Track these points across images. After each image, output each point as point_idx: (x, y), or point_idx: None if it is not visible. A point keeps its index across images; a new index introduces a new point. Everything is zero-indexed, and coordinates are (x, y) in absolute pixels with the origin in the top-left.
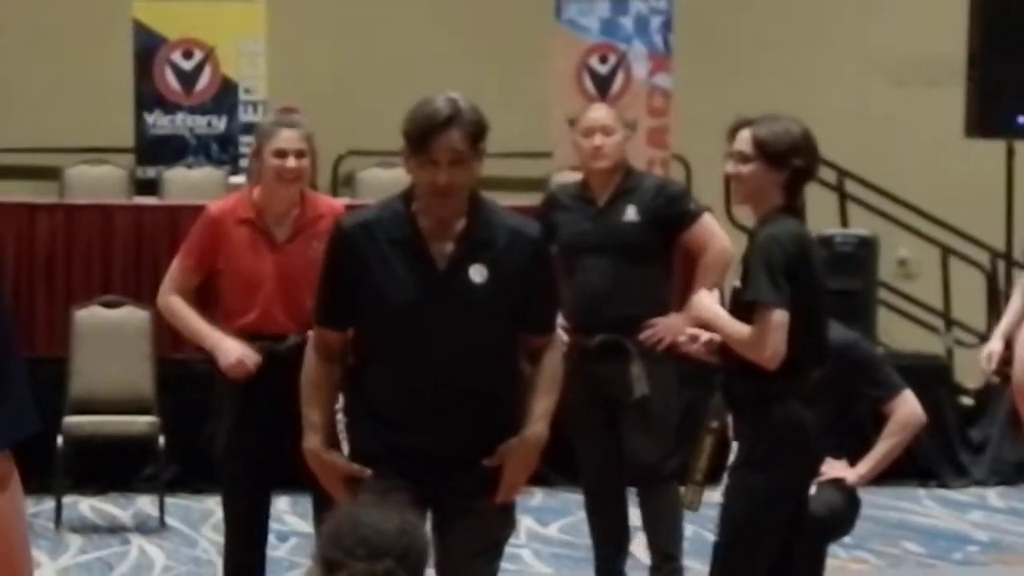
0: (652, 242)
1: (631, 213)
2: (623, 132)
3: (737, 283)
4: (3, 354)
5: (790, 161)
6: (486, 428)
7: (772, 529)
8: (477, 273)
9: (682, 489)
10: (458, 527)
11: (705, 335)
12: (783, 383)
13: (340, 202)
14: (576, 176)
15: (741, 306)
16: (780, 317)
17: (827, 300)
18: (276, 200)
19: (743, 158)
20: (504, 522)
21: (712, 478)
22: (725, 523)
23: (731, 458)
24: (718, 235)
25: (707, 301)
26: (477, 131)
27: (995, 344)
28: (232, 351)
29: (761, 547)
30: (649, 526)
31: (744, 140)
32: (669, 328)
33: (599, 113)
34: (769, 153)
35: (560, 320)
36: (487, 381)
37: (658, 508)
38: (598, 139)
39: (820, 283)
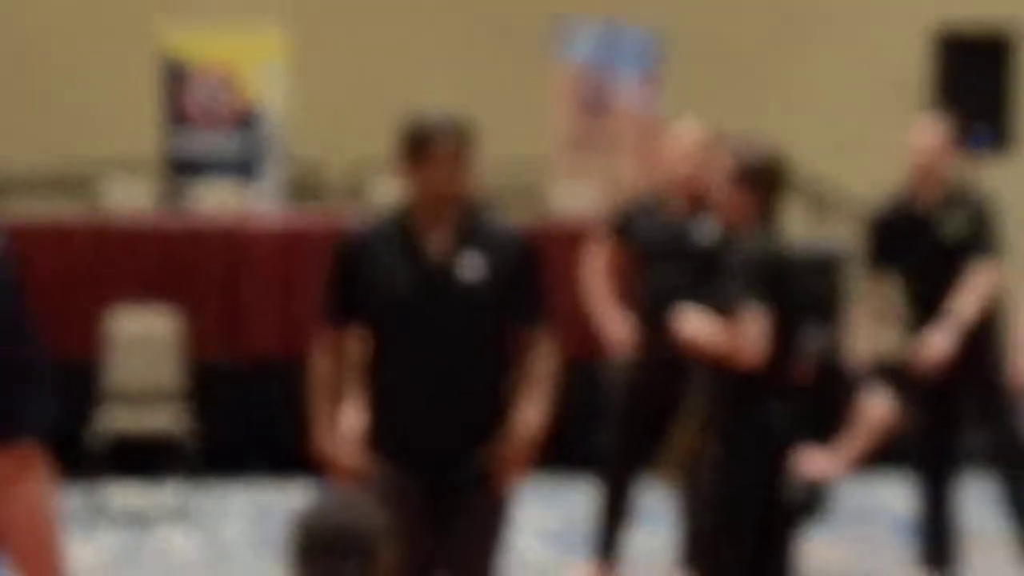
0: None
1: (712, 227)
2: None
3: (718, 293)
4: (26, 362)
5: (759, 181)
6: (482, 417)
7: (743, 518)
8: (468, 264)
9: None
10: (458, 519)
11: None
12: (757, 383)
13: None
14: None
15: (722, 314)
16: (758, 320)
17: (804, 306)
18: None
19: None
20: (502, 513)
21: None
22: (700, 512)
23: (707, 450)
24: None
25: (692, 315)
26: (468, 137)
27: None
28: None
29: (734, 535)
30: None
31: (721, 162)
32: None
33: (692, 127)
34: (740, 174)
35: (627, 329)
36: (481, 370)
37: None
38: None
39: (795, 292)
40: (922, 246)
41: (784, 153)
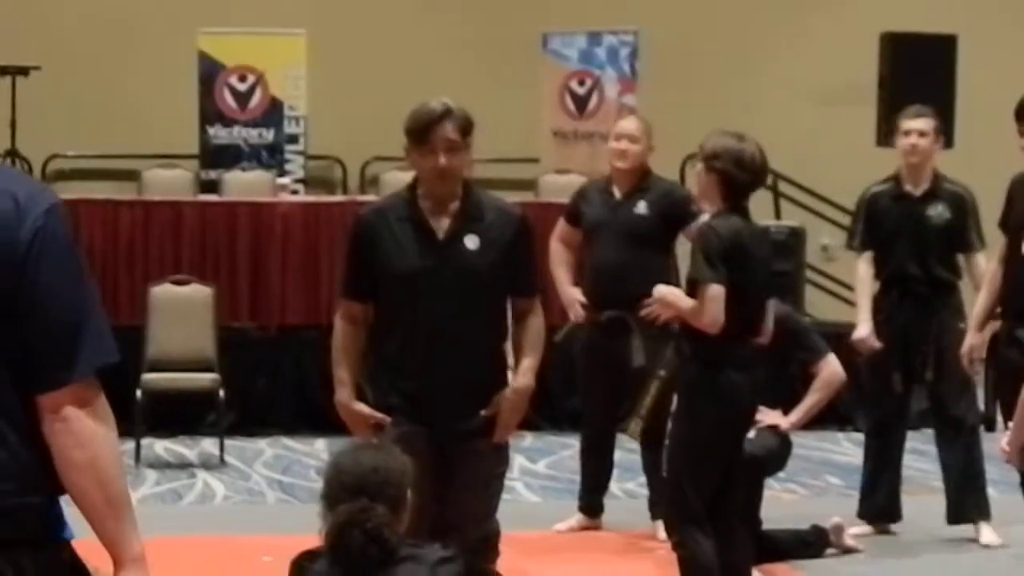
0: (657, 233)
1: (642, 207)
2: (646, 142)
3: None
4: (89, 307)
5: (715, 166)
6: (483, 376)
7: (705, 467)
8: (470, 242)
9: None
10: (462, 466)
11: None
12: (720, 348)
13: None
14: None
15: (689, 284)
16: (716, 291)
17: (768, 282)
18: None
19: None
20: (500, 459)
21: (661, 420)
22: (668, 462)
23: (673, 407)
24: None
25: (665, 289)
26: (466, 124)
27: (975, 338)
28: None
29: (697, 481)
30: (649, 467)
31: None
32: None
33: (629, 124)
34: (705, 159)
35: (580, 296)
36: (481, 334)
37: (657, 454)
38: (623, 144)
39: (757, 269)
40: (908, 229)
41: (756, 142)
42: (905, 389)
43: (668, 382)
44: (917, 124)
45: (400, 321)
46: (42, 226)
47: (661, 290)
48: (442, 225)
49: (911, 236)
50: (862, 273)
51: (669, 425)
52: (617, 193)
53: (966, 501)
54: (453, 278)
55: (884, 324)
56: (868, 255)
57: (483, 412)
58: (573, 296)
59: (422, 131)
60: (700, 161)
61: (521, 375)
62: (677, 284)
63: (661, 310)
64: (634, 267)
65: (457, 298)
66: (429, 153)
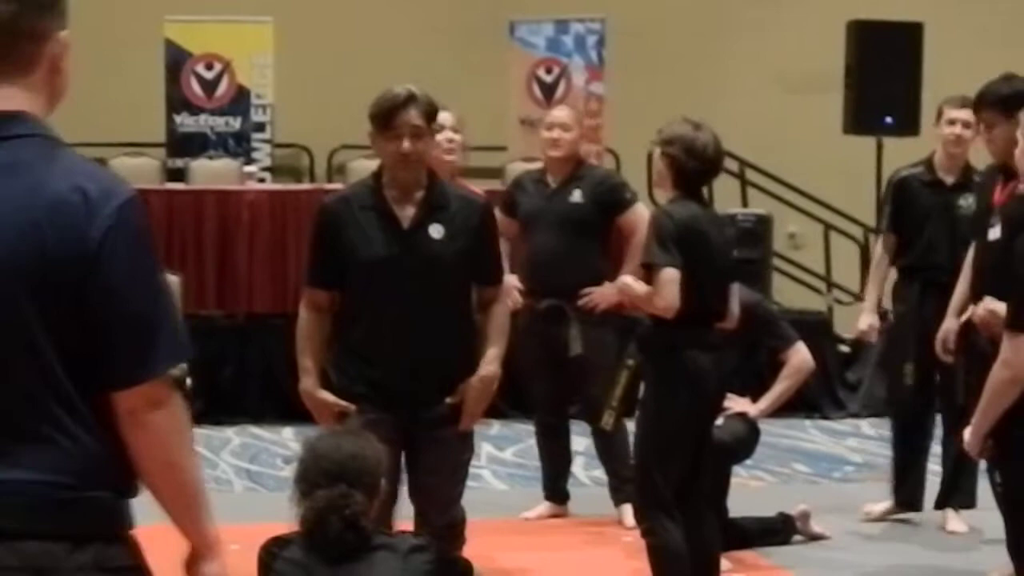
0: (592, 221)
1: (576, 195)
2: (578, 130)
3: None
4: (163, 304)
5: (667, 152)
6: (448, 364)
7: (673, 454)
8: (435, 230)
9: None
10: (428, 453)
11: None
12: (683, 334)
13: None
14: (537, 164)
15: (644, 269)
16: (669, 275)
17: (731, 268)
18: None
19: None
20: (465, 447)
21: (629, 410)
22: (636, 448)
23: (641, 394)
24: (646, 221)
25: (626, 277)
26: (430, 110)
27: (951, 323)
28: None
29: (665, 468)
30: (603, 454)
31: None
32: (603, 296)
33: (561, 113)
34: (660, 144)
35: (517, 283)
36: (446, 322)
37: (610, 439)
38: (556, 133)
39: (716, 254)
40: (938, 217)
41: (713, 132)
42: (922, 380)
43: (636, 370)
44: (962, 114)
45: (366, 309)
46: (113, 224)
47: (621, 280)
48: (407, 214)
49: (940, 224)
50: (878, 259)
51: (637, 413)
52: (552, 182)
53: (957, 488)
54: (418, 267)
55: (903, 314)
56: (888, 241)
57: (449, 400)
58: (510, 283)
59: (386, 116)
60: (656, 146)
61: (487, 363)
62: (613, 272)
63: (618, 297)
64: (570, 255)
65: (422, 287)
66: (393, 138)
